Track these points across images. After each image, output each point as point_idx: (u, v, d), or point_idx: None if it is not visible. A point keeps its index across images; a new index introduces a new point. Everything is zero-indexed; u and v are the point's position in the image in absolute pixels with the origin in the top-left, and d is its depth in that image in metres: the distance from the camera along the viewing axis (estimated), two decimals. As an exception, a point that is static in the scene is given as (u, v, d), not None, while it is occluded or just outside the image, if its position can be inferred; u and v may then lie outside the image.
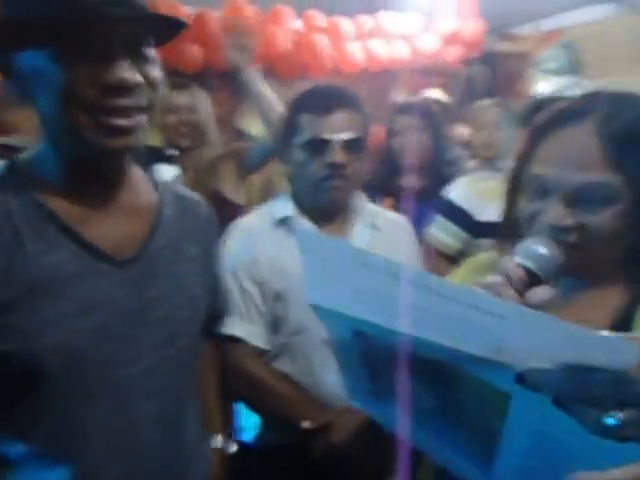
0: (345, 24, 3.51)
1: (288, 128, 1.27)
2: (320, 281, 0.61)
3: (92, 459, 0.74)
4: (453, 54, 3.98)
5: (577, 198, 0.71)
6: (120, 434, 0.75)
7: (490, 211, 1.66)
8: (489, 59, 4.34)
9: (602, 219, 0.70)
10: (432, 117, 2.11)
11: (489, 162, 2.42)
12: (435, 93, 3.61)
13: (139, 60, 0.70)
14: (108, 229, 0.77)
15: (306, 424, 1.16)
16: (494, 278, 0.66)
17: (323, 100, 1.23)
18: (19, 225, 0.71)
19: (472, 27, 3.91)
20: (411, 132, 2.07)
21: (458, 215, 1.70)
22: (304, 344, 1.21)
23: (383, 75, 3.85)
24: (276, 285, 1.23)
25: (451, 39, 3.88)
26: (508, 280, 0.66)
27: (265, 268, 1.24)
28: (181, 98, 2.03)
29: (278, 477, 1.24)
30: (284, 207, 1.30)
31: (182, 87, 2.05)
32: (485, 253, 0.95)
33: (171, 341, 0.80)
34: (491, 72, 4.43)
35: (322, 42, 3.40)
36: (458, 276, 0.93)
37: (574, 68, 4.14)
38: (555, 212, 0.71)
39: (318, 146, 1.21)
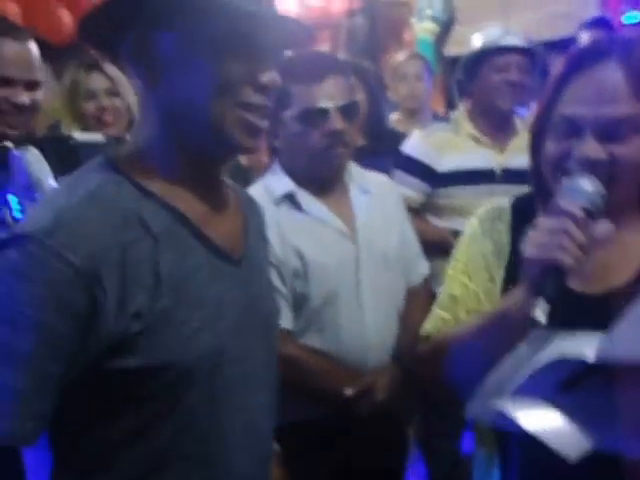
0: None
1: (276, 101, 1.22)
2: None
3: (229, 460, 0.74)
4: (338, 6, 3.99)
5: (608, 132, 0.76)
6: (246, 430, 0.76)
7: (447, 161, 1.76)
8: (370, 10, 4.41)
9: (631, 149, 0.76)
10: (366, 75, 2.13)
11: (412, 113, 2.52)
12: (324, 49, 3.62)
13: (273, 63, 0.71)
14: (222, 229, 0.75)
15: (349, 391, 1.18)
16: (559, 222, 0.70)
17: (313, 68, 1.20)
18: (157, 233, 0.67)
19: (354, -22, 3.93)
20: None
21: (418, 169, 1.78)
22: (332, 315, 1.22)
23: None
24: (293, 263, 1.21)
25: (336, -9, 3.88)
26: (574, 222, 0.69)
27: (278, 248, 1.21)
28: (98, 81, 1.80)
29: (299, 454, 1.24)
30: (282, 183, 1.26)
31: (92, 68, 1.82)
32: (491, 202, 0.98)
33: (270, 335, 0.83)
34: (372, 23, 4.52)
35: None
36: (476, 228, 0.95)
37: (448, 15, 4.37)
38: (589, 147, 0.76)
39: (315, 116, 1.19)
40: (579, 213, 0.70)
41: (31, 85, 1.28)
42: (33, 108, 1.29)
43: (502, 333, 0.75)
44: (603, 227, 0.71)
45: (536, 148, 0.86)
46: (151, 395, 0.67)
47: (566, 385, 0.64)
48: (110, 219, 0.64)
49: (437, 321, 0.95)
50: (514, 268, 0.87)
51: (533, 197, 0.92)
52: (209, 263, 0.71)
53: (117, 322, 0.62)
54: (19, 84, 1.26)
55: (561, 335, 0.67)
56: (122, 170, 0.69)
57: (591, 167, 0.76)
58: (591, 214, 0.72)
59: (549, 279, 0.68)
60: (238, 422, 0.75)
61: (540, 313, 0.67)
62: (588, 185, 0.73)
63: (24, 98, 1.25)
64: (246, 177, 1.41)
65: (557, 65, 0.85)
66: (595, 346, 0.61)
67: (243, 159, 2.44)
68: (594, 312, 0.78)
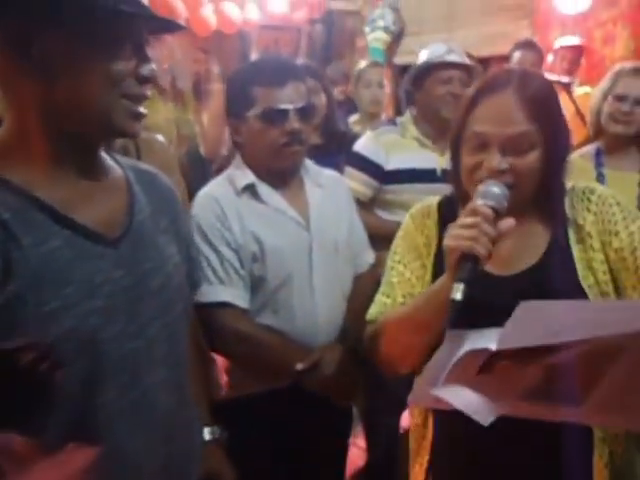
0: (198, -14, 3.46)
1: (241, 101, 1.34)
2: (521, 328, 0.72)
3: (115, 437, 0.75)
4: (299, 16, 4.14)
5: (510, 147, 0.92)
6: (137, 407, 0.78)
7: (394, 160, 1.92)
8: (328, 19, 4.59)
9: (528, 161, 0.93)
10: (323, 78, 2.27)
11: (373, 117, 2.68)
12: (285, 52, 3.77)
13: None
14: (93, 209, 0.77)
15: (299, 366, 1.29)
16: (472, 219, 0.85)
17: (276, 73, 1.32)
18: (7, 219, 0.68)
19: (315, -11, 4.09)
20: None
21: (368, 166, 1.93)
22: (286, 297, 1.34)
23: (235, 36, 3.88)
24: (251, 248, 1.33)
25: (298, 1, 4.03)
26: (484, 219, 0.84)
27: (238, 233, 1.33)
28: None
29: (256, 425, 1.34)
30: (244, 175, 1.38)
31: None
32: (422, 202, 1.15)
33: (168, 309, 0.84)
34: (329, 31, 4.70)
35: (176, 4, 3.32)
36: (410, 224, 1.12)
37: (398, 26, 4.59)
38: (495, 159, 0.92)
39: (275, 116, 1.31)
40: (488, 211, 0.86)
41: None
42: None
43: (432, 312, 0.90)
44: (506, 222, 0.86)
45: (455, 156, 1.02)
46: (21, 376, 0.67)
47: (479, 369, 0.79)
48: None
49: (380, 306, 1.09)
50: (441, 257, 1.02)
51: (454, 198, 1.09)
52: (73, 245, 0.72)
53: None
54: None
55: (471, 334, 0.81)
56: None
57: (497, 176, 0.92)
58: (497, 212, 0.87)
59: (465, 265, 0.83)
60: (125, 401, 0.75)
61: (457, 293, 0.81)
62: (496, 189, 0.89)
63: None
64: (204, 168, 1.50)
65: (468, 90, 1.03)
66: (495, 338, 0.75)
67: (202, 149, 2.54)
68: (510, 289, 0.95)
